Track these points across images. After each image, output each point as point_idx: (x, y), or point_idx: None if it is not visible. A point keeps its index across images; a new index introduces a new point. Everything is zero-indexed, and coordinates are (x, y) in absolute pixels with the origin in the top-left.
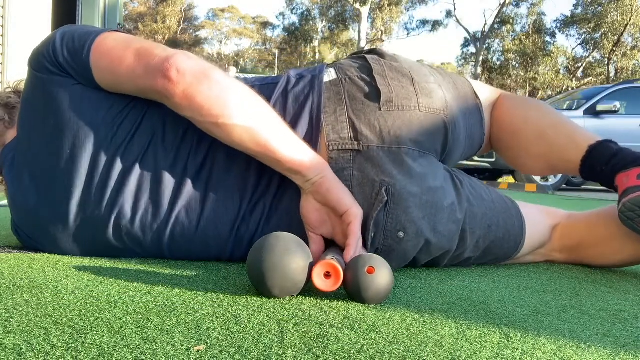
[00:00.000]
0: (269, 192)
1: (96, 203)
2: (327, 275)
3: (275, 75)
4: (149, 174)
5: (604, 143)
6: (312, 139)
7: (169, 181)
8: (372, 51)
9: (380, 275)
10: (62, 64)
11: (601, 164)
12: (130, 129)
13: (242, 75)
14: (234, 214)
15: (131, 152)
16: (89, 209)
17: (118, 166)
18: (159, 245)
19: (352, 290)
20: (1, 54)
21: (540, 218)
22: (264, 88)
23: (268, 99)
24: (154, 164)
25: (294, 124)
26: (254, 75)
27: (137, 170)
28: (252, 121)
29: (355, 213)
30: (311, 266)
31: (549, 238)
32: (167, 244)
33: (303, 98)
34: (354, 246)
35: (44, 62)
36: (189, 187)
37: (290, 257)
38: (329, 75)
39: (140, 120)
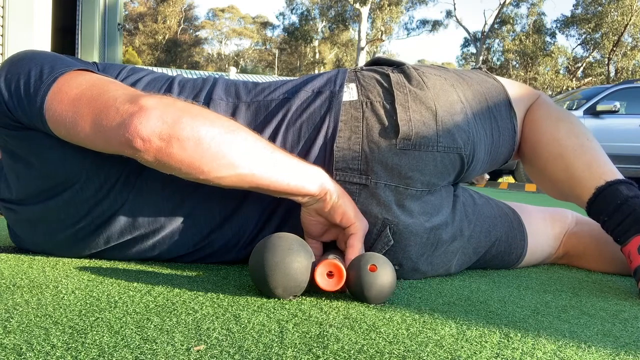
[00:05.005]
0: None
1: (88, 235)
2: (330, 274)
3: (285, 81)
4: (139, 208)
5: (611, 187)
6: (324, 164)
7: (162, 206)
8: (400, 66)
9: (383, 273)
10: (22, 122)
11: (605, 214)
12: (122, 169)
13: (251, 78)
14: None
15: (124, 190)
16: (81, 240)
17: (109, 206)
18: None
19: (355, 289)
20: (1, 54)
21: (545, 229)
22: (279, 105)
23: (282, 117)
24: (142, 199)
25: (308, 148)
26: (273, 78)
27: (127, 208)
28: (236, 167)
29: (357, 227)
30: (314, 266)
31: (554, 250)
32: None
33: (319, 120)
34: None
35: (4, 118)
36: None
37: (293, 256)
38: (350, 93)
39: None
